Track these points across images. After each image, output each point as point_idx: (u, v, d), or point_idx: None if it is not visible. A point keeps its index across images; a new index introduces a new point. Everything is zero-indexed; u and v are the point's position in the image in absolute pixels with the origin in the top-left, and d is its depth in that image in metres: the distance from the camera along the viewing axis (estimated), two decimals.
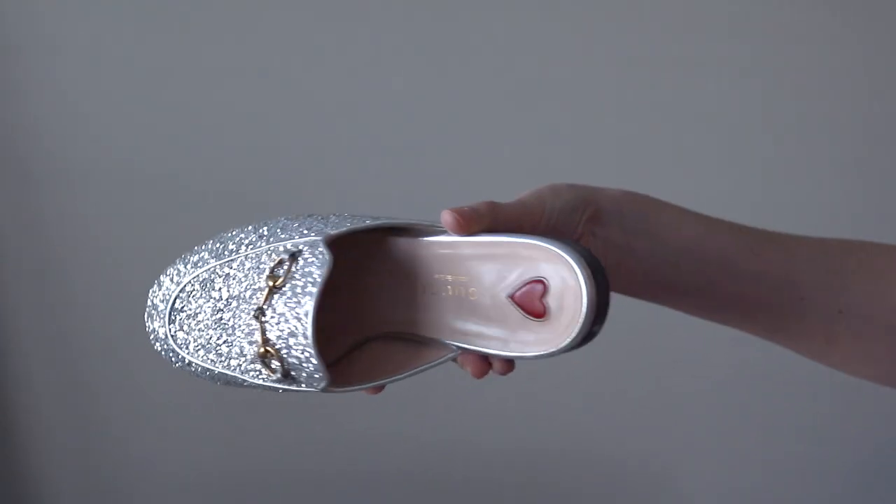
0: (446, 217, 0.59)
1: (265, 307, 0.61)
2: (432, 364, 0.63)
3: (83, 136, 1.38)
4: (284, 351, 0.60)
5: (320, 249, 0.60)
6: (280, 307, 0.60)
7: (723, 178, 1.32)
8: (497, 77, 1.31)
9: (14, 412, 1.51)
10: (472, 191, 1.30)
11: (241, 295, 0.63)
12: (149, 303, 0.67)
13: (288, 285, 0.60)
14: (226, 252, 0.65)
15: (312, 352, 0.59)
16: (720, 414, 1.40)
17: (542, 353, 0.58)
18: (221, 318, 0.63)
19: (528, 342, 0.59)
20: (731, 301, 0.65)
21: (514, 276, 0.59)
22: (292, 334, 0.59)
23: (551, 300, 0.58)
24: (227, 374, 0.64)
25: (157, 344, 0.67)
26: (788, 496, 1.42)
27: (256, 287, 0.62)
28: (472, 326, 0.61)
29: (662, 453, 1.44)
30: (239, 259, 0.64)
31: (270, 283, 0.61)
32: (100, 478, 1.54)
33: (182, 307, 0.65)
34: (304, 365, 0.59)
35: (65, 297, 1.45)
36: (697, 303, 0.66)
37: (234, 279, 0.63)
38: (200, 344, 0.65)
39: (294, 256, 0.61)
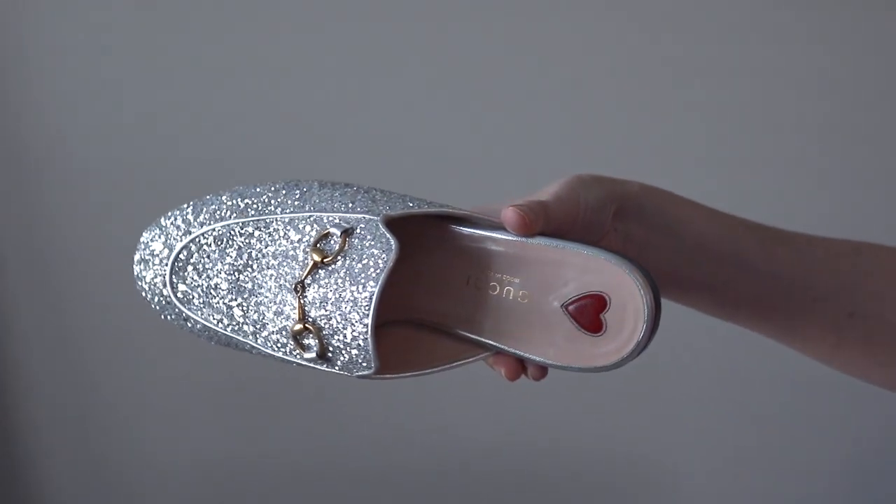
0: (510, 215, 0.57)
1: (307, 282, 0.57)
2: (468, 360, 0.60)
3: (83, 135, 1.38)
4: (327, 332, 0.56)
5: (382, 231, 0.56)
6: (328, 285, 0.56)
7: (722, 178, 1.32)
8: (496, 77, 1.32)
9: (15, 411, 1.51)
10: (471, 191, 1.31)
11: (268, 261, 0.59)
12: (142, 246, 0.63)
13: (341, 263, 0.56)
14: (250, 210, 0.61)
15: (368, 340, 0.55)
16: (719, 413, 1.40)
17: (588, 366, 0.58)
18: (239, 280, 0.59)
19: (575, 354, 0.58)
20: (744, 300, 0.65)
21: (572, 287, 0.58)
22: (344, 317, 0.56)
23: (609, 317, 0.58)
24: (234, 339, 0.60)
25: (149, 295, 0.62)
26: (787, 496, 1.42)
27: (292, 256, 0.58)
28: (516, 328, 0.59)
29: (661, 452, 1.44)
30: (268, 220, 0.60)
31: (316, 258, 0.57)
32: (101, 477, 1.54)
33: (189, 259, 0.61)
34: (351, 350, 0.56)
35: (66, 296, 1.45)
36: (711, 301, 0.66)
37: (259, 241, 0.59)
38: (207, 302, 0.61)
39: (347, 233, 0.57)
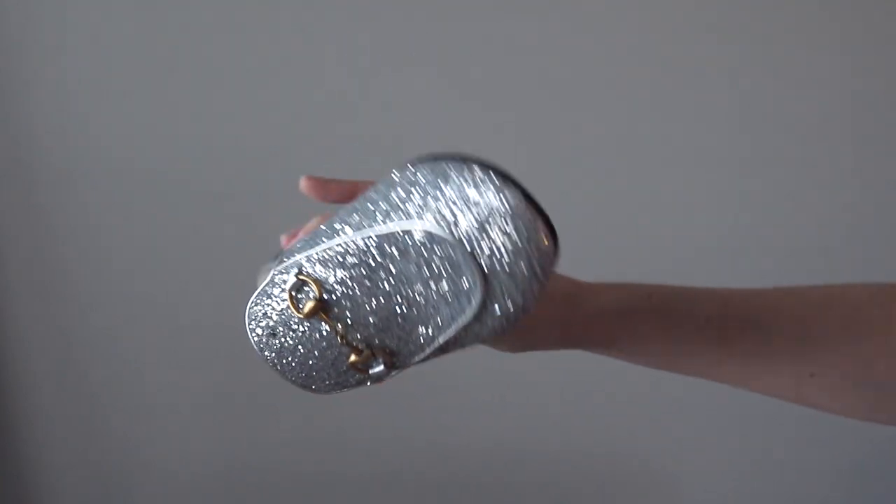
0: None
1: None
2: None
3: (84, 135, 1.38)
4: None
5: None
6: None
7: (722, 178, 1.32)
8: (496, 78, 1.32)
9: (15, 412, 1.51)
10: None
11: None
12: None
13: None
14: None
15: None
16: (718, 413, 1.40)
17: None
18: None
19: None
20: (693, 373, 0.65)
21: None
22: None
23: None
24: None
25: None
26: (787, 496, 1.42)
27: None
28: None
29: (660, 453, 1.44)
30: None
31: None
32: (101, 478, 1.54)
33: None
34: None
35: (66, 296, 1.46)
36: (656, 366, 0.67)
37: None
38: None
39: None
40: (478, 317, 0.57)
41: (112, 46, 1.34)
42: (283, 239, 0.67)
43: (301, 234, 0.64)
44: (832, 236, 1.31)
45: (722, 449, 1.42)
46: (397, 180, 0.58)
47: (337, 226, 0.59)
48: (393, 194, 0.57)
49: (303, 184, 0.65)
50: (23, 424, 1.52)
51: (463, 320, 0.57)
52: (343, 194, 0.65)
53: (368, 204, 0.58)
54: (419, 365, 0.60)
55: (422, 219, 0.56)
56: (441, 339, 0.58)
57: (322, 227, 0.60)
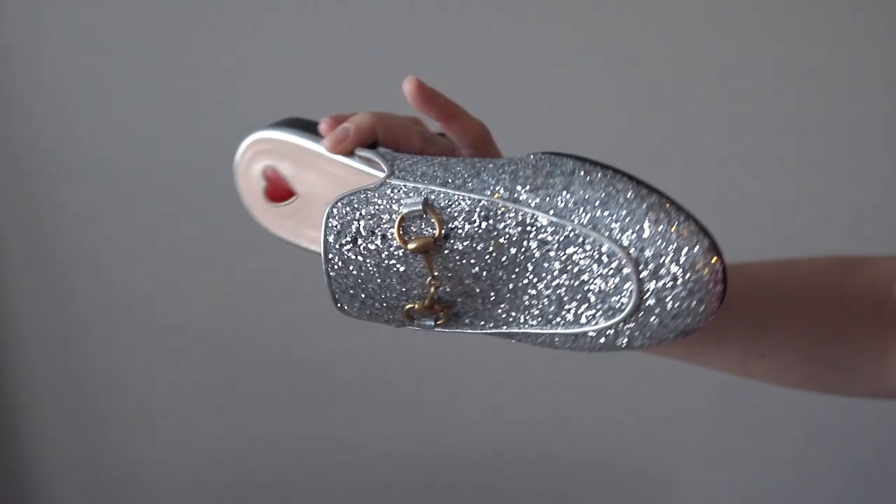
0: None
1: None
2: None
3: (84, 136, 1.38)
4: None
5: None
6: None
7: (723, 178, 1.32)
8: (496, 78, 1.32)
9: (14, 412, 1.51)
10: None
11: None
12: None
13: None
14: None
15: None
16: (719, 415, 1.40)
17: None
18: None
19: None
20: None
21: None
22: None
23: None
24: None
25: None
26: (788, 497, 1.42)
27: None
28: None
29: (661, 455, 1.44)
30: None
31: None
32: (99, 478, 1.54)
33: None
34: None
35: (65, 296, 1.46)
36: None
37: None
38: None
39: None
40: (574, 336, 0.49)
41: (112, 47, 1.34)
42: (325, 123, 0.61)
43: (351, 127, 0.59)
44: (833, 236, 1.31)
45: (722, 451, 1.42)
46: (597, 180, 0.49)
47: (492, 179, 0.49)
48: (587, 192, 0.48)
49: (409, 85, 0.59)
50: (23, 424, 1.52)
51: (558, 331, 0.49)
52: (442, 114, 0.60)
53: (551, 187, 0.48)
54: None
55: (617, 233, 0.47)
56: (510, 331, 0.49)
57: (463, 167, 0.51)
